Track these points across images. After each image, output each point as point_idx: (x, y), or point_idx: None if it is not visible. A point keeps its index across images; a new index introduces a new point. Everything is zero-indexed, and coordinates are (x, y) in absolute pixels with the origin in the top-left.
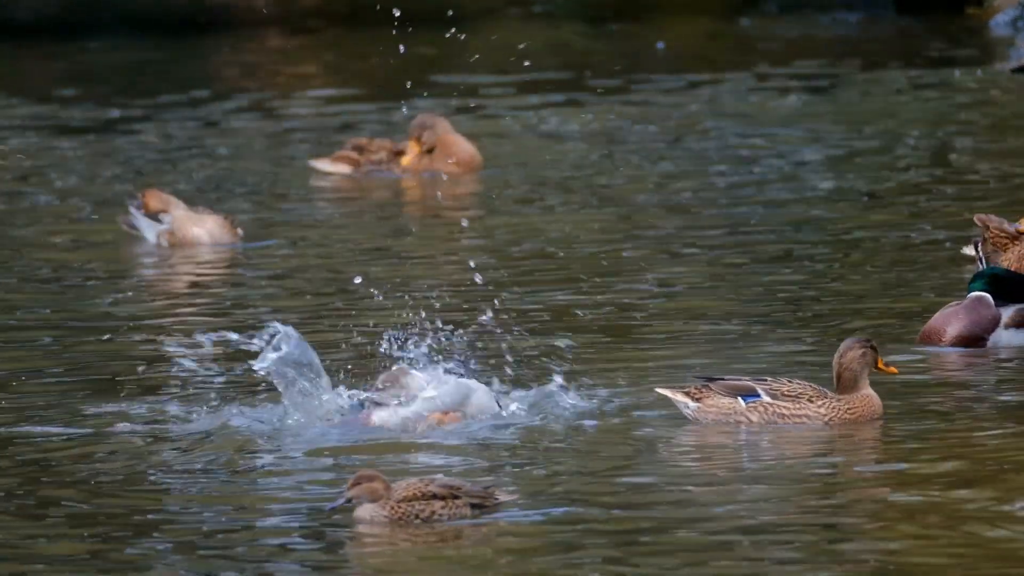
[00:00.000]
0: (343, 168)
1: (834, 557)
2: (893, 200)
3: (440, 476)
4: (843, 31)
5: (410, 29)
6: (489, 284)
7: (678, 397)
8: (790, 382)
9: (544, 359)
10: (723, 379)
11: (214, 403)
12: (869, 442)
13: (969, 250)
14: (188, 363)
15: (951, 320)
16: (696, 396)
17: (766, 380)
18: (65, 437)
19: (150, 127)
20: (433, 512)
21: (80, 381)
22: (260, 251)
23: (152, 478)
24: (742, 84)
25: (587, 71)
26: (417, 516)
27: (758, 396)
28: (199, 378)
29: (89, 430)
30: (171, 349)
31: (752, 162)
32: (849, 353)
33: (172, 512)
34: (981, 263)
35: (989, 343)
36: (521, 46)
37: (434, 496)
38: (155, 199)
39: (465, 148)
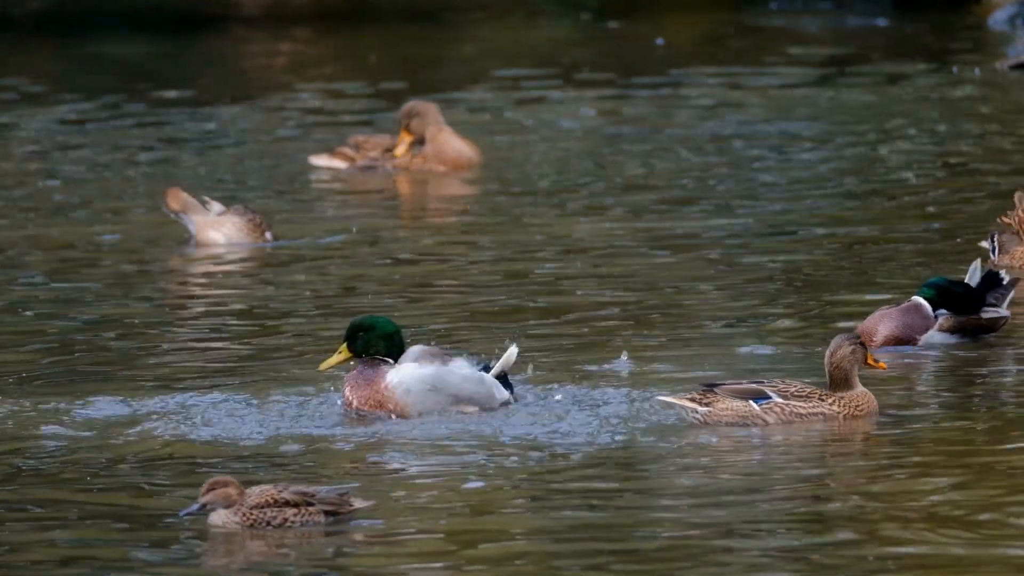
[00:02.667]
0: (339, 164)
1: (832, 558)
2: (890, 197)
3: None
4: (841, 27)
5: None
6: (487, 284)
7: (684, 403)
8: (784, 381)
9: (542, 359)
10: (724, 384)
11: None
12: (863, 443)
13: (985, 243)
14: (188, 362)
15: (883, 321)
16: (704, 401)
17: (762, 381)
18: (63, 436)
19: (149, 125)
20: (286, 519)
21: (79, 379)
22: (283, 251)
23: (150, 476)
24: (741, 81)
25: (586, 68)
26: (269, 523)
27: (768, 398)
28: (195, 376)
29: (90, 431)
30: (172, 346)
31: (751, 158)
32: (839, 351)
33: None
34: (993, 254)
35: (921, 342)
36: (520, 43)
37: (287, 503)
38: (175, 199)
39: (457, 146)
